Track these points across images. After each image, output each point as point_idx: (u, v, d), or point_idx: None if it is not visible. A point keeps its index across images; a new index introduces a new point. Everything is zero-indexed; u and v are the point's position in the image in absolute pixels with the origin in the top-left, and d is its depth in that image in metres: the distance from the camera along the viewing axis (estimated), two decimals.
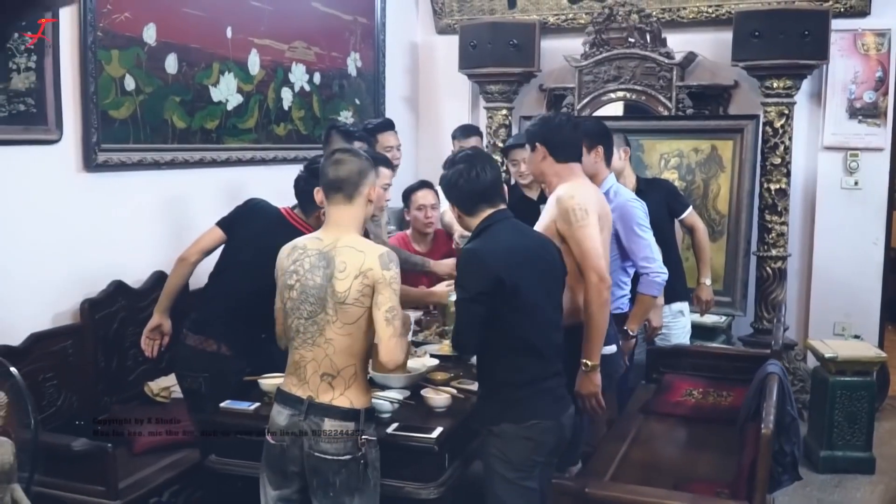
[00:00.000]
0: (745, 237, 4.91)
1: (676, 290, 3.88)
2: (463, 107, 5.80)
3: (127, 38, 3.38)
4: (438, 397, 2.69)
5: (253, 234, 3.00)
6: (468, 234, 2.65)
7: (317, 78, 4.71)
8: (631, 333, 3.37)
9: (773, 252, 4.87)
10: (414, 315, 3.78)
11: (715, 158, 5.02)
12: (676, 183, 4.89)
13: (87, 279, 3.30)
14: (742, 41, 4.70)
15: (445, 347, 3.31)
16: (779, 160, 4.83)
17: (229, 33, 3.98)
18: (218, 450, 2.66)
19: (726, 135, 5.00)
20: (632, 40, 5.15)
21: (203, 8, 3.78)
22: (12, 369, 2.36)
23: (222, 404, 2.70)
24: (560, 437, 2.53)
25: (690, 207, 4.10)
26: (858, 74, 4.93)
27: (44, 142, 3.08)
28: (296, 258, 2.36)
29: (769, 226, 4.87)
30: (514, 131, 5.40)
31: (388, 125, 4.07)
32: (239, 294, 2.94)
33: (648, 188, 3.87)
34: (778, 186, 4.84)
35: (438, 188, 3.37)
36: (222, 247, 3.09)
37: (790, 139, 4.84)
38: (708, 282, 4.13)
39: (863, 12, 4.89)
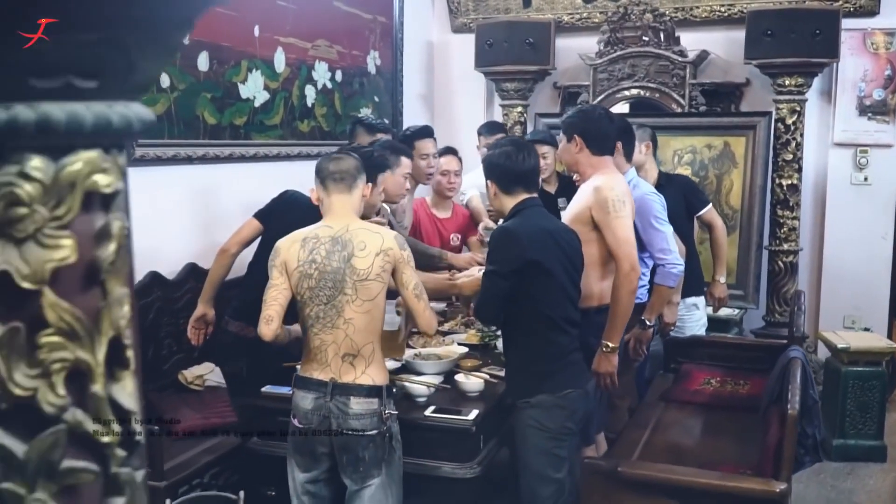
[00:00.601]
0: (757, 232, 5.01)
1: (690, 284, 3.96)
2: (478, 104, 5.89)
3: None
4: (472, 382, 2.79)
5: (288, 224, 3.09)
6: (492, 226, 2.77)
7: (338, 76, 4.81)
8: (648, 323, 3.47)
9: (785, 246, 4.98)
10: (438, 307, 3.89)
11: (728, 154, 5.12)
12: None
13: None
14: (754, 40, 4.81)
15: (472, 336, 3.42)
16: (790, 156, 4.93)
17: (257, 32, 4.08)
18: (260, 432, 2.76)
19: (739, 131, 5.10)
20: (646, 39, 5.25)
21: (233, 7, 3.88)
22: None
23: (263, 388, 2.80)
24: (587, 405, 2.73)
25: (710, 205, 4.16)
26: (868, 72, 5.03)
27: None
28: (311, 248, 2.47)
29: (781, 221, 4.98)
30: (530, 128, 5.49)
31: (426, 132, 4.03)
32: None
33: (668, 183, 3.97)
34: (789, 182, 4.95)
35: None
36: (260, 237, 3.19)
37: (801, 136, 4.94)
38: (722, 279, 4.19)
39: (872, 12, 4.99)
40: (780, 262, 4.99)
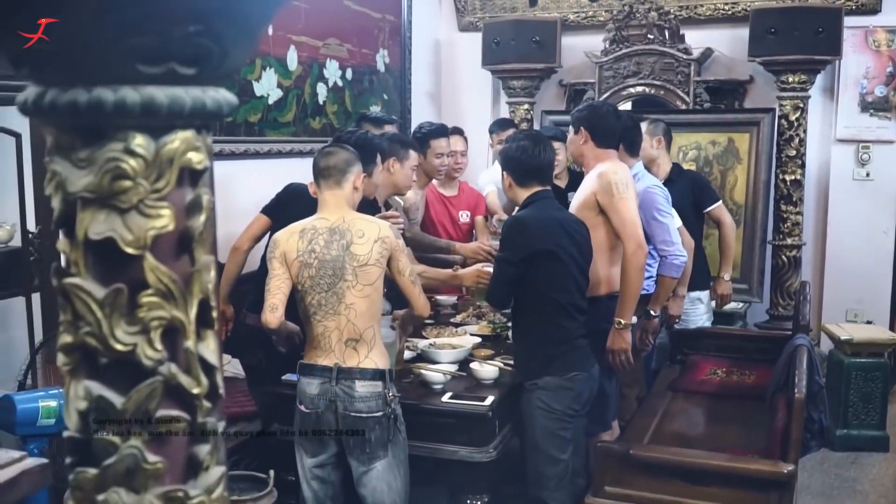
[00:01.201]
0: (761, 226, 5.09)
1: (695, 278, 4.02)
2: (485, 102, 5.97)
3: None
4: (487, 369, 2.86)
5: (293, 215, 3.16)
6: (505, 218, 2.86)
7: (349, 74, 4.88)
8: (653, 314, 3.54)
9: (788, 241, 5.05)
10: (449, 300, 3.98)
11: (732, 151, 5.19)
12: None
13: None
14: (758, 38, 4.88)
15: (484, 328, 3.49)
16: (793, 152, 5.01)
17: (270, 30, 4.15)
18: (280, 419, 2.83)
19: (743, 128, 5.18)
20: (651, 37, 5.32)
21: None
22: None
23: (284, 377, 2.88)
24: (592, 388, 2.83)
25: (720, 202, 4.21)
26: (870, 70, 5.10)
27: None
28: (310, 238, 2.56)
29: (784, 216, 5.05)
30: (536, 125, 5.57)
31: (442, 131, 4.05)
32: None
33: (678, 177, 4.04)
34: (793, 178, 5.02)
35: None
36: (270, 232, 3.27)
37: (804, 132, 5.02)
38: (727, 277, 4.22)
39: (874, 10, 5.06)
40: (783, 257, 5.07)
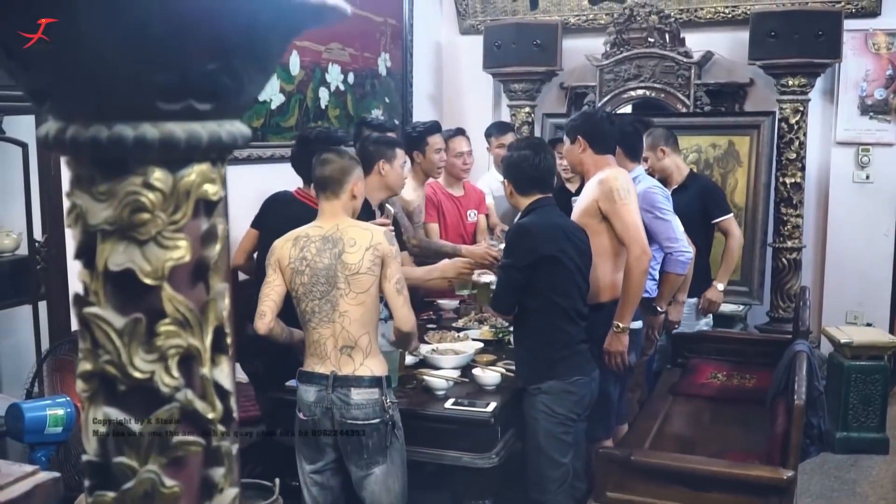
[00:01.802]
0: (761, 229, 5.11)
1: (695, 285, 4.00)
2: (486, 104, 5.99)
3: None
4: (489, 375, 2.89)
5: (275, 221, 3.21)
6: (504, 227, 2.88)
7: (351, 78, 4.90)
8: (659, 309, 3.56)
9: (789, 243, 5.08)
10: (451, 304, 3.99)
11: (732, 153, 5.21)
12: None
13: None
14: (758, 41, 4.90)
15: (486, 333, 3.51)
16: (794, 155, 5.03)
17: None
18: (285, 424, 2.85)
19: (743, 131, 5.19)
20: (651, 40, 5.34)
21: None
22: None
23: (288, 383, 2.89)
24: (593, 392, 2.86)
25: (730, 215, 4.10)
26: (870, 72, 5.12)
27: None
28: (302, 246, 2.58)
29: (785, 218, 5.07)
30: (537, 128, 5.60)
31: (437, 127, 4.02)
32: None
33: (691, 183, 4.03)
34: (793, 180, 5.05)
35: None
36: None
37: (804, 135, 5.04)
38: (720, 287, 4.11)
39: (874, 13, 5.08)
40: (783, 259, 5.09)
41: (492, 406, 2.66)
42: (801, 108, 5.00)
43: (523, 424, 2.86)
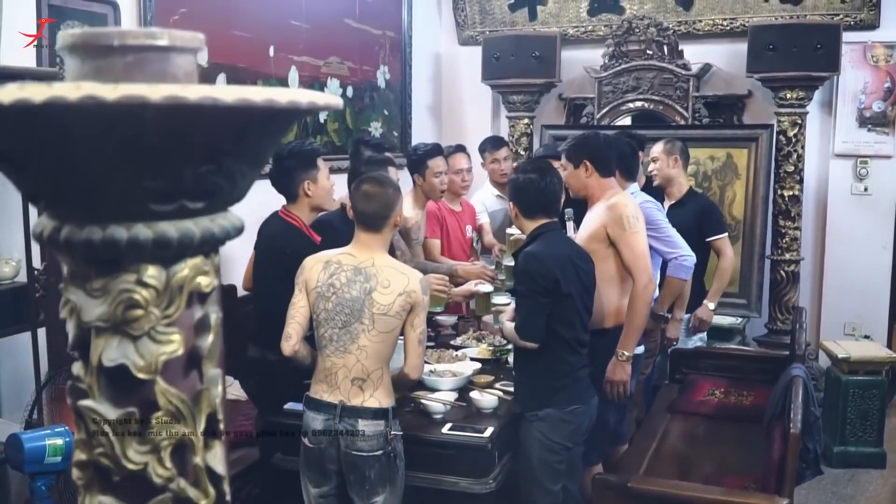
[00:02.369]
0: (759, 241, 5.12)
1: (691, 300, 4.00)
2: (485, 116, 5.99)
3: None
4: (486, 399, 2.89)
5: (262, 241, 3.22)
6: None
7: (349, 91, 4.91)
8: (660, 314, 3.56)
9: (787, 256, 5.08)
10: (449, 321, 4.00)
11: (730, 166, 5.22)
12: None
13: None
14: (757, 54, 4.90)
15: (484, 351, 3.52)
16: (792, 167, 5.04)
17: (271, 52, 4.19)
18: (283, 448, 2.86)
19: (741, 143, 5.20)
20: (650, 52, 5.35)
21: (249, 29, 3.99)
22: None
23: (285, 406, 2.90)
24: (591, 419, 2.86)
25: (724, 235, 4.07)
26: (868, 85, 5.13)
27: None
28: (332, 272, 2.56)
29: (783, 231, 5.08)
30: (536, 140, 5.60)
31: (438, 150, 3.99)
32: (268, 299, 3.12)
33: (689, 201, 4.04)
34: (791, 193, 5.05)
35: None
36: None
37: (802, 147, 5.05)
38: (711, 306, 4.09)
39: (872, 25, 5.08)
40: (782, 272, 5.10)
41: (489, 431, 2.67)
42: (800, 122, 5.00)
43: (518, 448, 2.86)
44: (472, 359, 3.40)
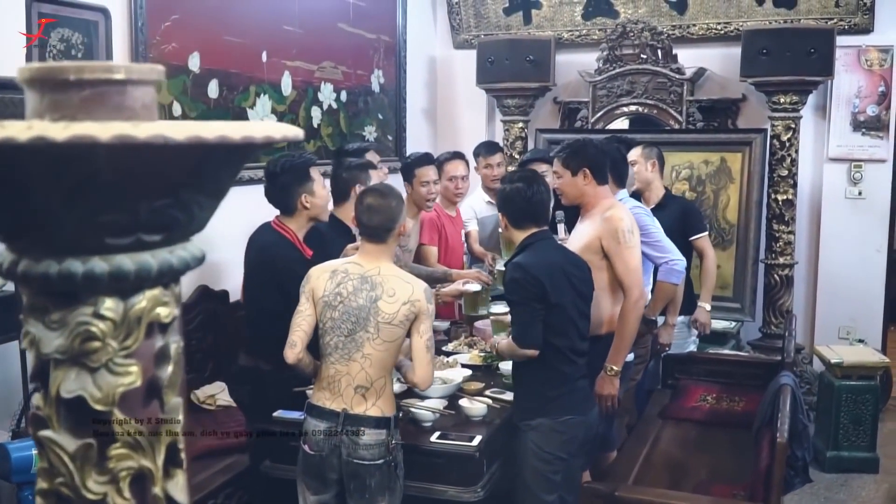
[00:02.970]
0: (753, 246, 5.12)
1: (682, 303, 4.01)
2: (480, 119, 6.00)
3: (175, 66, 3.59)
4: (476, 406, 2.89)
5: (252, 252, 3.21)
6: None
7: (343, 96, 4.91)
8: (650, 318, 3.56)
9: (781, 260, 5.09)
10: (442, 325, 4.00)
11: (724, 170, 5.22)
12: (687, 194, 5.10)
13: None
14: (750, 58, 4.91)
15: (475, 357, 3.52)
16: (786, 172, 5.04)
17: (264, 57, 4.19)
18: (272, 456, 2.87)
19: (735, 147, 5.20)
20: (644, 56, 5.35)
21: (241, 35, 3.99)
22: None
23: (275, 413, 2.91)
24: (588, 432, 2.83)
25: (705, 233, 4.10)
26: (862, 89, 5.13)
27: None
28: (339, 281, 2.57)
29: (777, 235, 5.08)
30: (531, 144, 5.60)
31: (427, 159, 3.99)
32: (258, 310, 3.14)
33: (669, 203, 4.04)
34: (785, 197, 5.06)
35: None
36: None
37: (796, 151, 5.05)
38: (707, 307, 4.11)
39: (866, 29, 5.08)
40: (775, 276, 5.10)
41: (477, 440, 2.67)
42: (793, 126, 5.01)
43: (510, 457, 2.86)
44: (464, 365, 3.40)
